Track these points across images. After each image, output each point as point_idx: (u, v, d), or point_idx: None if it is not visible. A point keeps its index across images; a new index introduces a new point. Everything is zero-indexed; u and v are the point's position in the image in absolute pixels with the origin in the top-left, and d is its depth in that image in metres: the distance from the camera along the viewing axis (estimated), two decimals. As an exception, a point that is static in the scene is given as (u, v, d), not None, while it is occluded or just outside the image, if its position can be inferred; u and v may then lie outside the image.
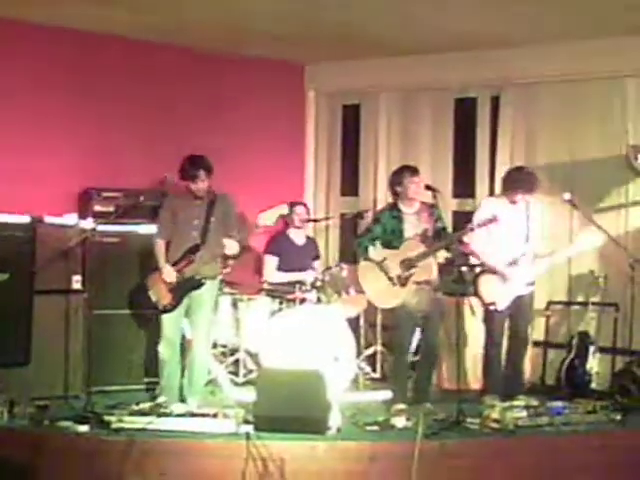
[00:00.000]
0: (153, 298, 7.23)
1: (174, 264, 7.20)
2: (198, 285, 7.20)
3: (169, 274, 7.17)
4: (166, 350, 7.25)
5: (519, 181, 7.61)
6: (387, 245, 7.41)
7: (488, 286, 7.57)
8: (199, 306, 7.25)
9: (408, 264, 7.29)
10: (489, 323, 7.64)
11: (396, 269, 7.32)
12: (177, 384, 7.30)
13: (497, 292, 7.54)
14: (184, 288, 7.19)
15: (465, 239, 7.37)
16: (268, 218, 7.20)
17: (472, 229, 7.30)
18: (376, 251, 7.39)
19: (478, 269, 7.70)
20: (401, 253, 7.33)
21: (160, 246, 7.28)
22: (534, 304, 7.90)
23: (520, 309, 7.66)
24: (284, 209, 7.35)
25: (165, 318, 7.24)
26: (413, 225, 7.41)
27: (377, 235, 7.43)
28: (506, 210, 7.58)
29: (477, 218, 7.46)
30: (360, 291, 8.07)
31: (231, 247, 7.17)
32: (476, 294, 7.63)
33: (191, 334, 7.33)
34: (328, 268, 8.67)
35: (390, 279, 7.32)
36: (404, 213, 7.44)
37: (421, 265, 7.29)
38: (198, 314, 7.26)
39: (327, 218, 9.71)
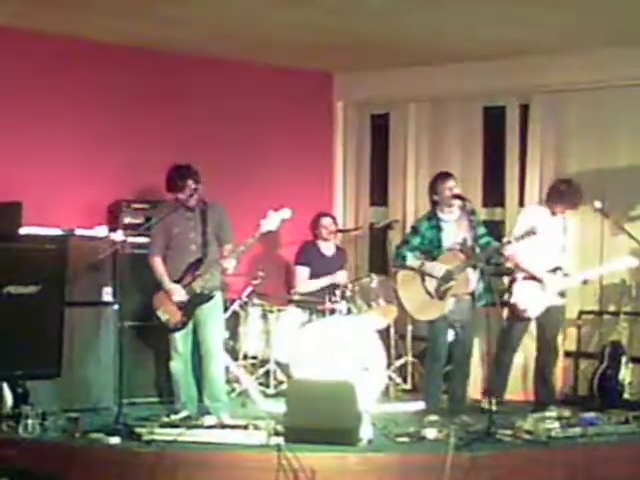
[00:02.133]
0: (162, 318, 7.14)
1: (178, 281, 7.11)
2: (208, 299, 7.13)
3: (179, 294, 7.08)
4: (180, 365, 7.22)
5: (566, 195, 7.65)
6: (426, 255, 7.34)
7: (522, 293, 7.56)
8: (210, 319, 7.17)
9: (447, 277, 7.24)
10: (510, 330, 7.61)
11: (434, 281, 7.27)
12: (196, 395, 7.28)
13: (531, 299, 7.53)
14: (194, 304, 7.11)
15: (506, 252, 7.36)
16: (270, 224, 7.11)
17: (510, 242, 7.28)
18: (416, 260, 7.34)
19: (512, 276, 7.71)
20: (440, 265, 7.27)
21: (159, 264, 7.17)
22: (566, 314, 7.89)
23: (549, 319, 7.68)
24: (286, 213, 7.19)
25: (176, 334, 7.17)
26: (453, 234, 7.33)
27: (415, 246, 7.34)
28: (546, 220, 7.61)
29: (519, 225, 7.48)
30: (390, 302, 8.07)
31: (230, 266, 7.09)
32: (509, 300, 7.61)
33: (203, 348, 7.19)
34: (358, 279, 8.65)
35: (428, 292, 7.28)
36: (443, 221, 7.35)
37: (459, 278, 7.24)
38: (210, 327, 7.18)
39: (356, 228, 9.68)
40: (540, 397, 7.76)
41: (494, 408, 7.30)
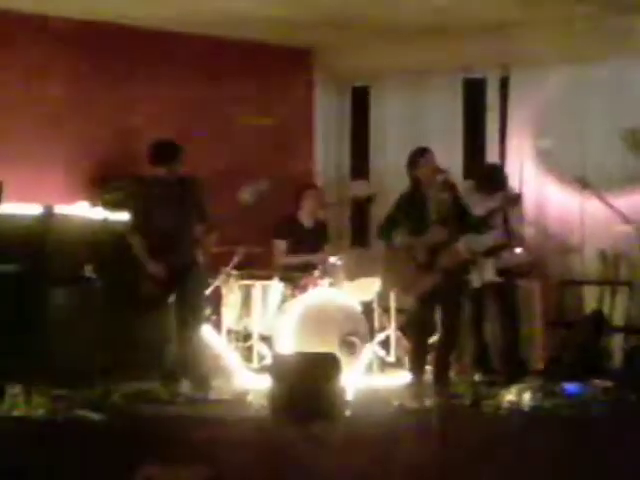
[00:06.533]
0: (142, 294, 7.14)
1: (156, 256, 7.10)
2: (186, 274, 7.12)
3: (157, 270, 7.09)
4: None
5: (498, 182, 7.98)
6: (411, 231, 7.30)
7: None
8: (192, 294, 7.18)
9: (434, 250, 7.22)
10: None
11: (422, 256, 7.25)
12: (180, 371, 7.27)
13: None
14: (172, 279, 7.10)
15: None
16: (249, 195, 7.09)
17: (498, 210, 7.37)
18: (401, 238, 7.31)
19: None
20: (427, 239, 7.23)
21: (139, 239, 7.16)
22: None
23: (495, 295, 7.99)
24: (264, 185, 7.18)
25: (159, 310, 7.18)
26: (435, 207, 7.30)
27: (399, 223, 7.30)
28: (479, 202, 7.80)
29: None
30: (372, 275, 8.07)
31: (210, 242, 7.16)
32: None
33: (187, 323, 7.17)
34: (340, 252, 8.66)
35: (418, 266, 7.25)
36: (425, 196, 7.32)
37: (447, 250, 7.23)
38: (192, 302, 7.18)
39: (339, 202, 9.66)
40: (509, 373, 7.83)
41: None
